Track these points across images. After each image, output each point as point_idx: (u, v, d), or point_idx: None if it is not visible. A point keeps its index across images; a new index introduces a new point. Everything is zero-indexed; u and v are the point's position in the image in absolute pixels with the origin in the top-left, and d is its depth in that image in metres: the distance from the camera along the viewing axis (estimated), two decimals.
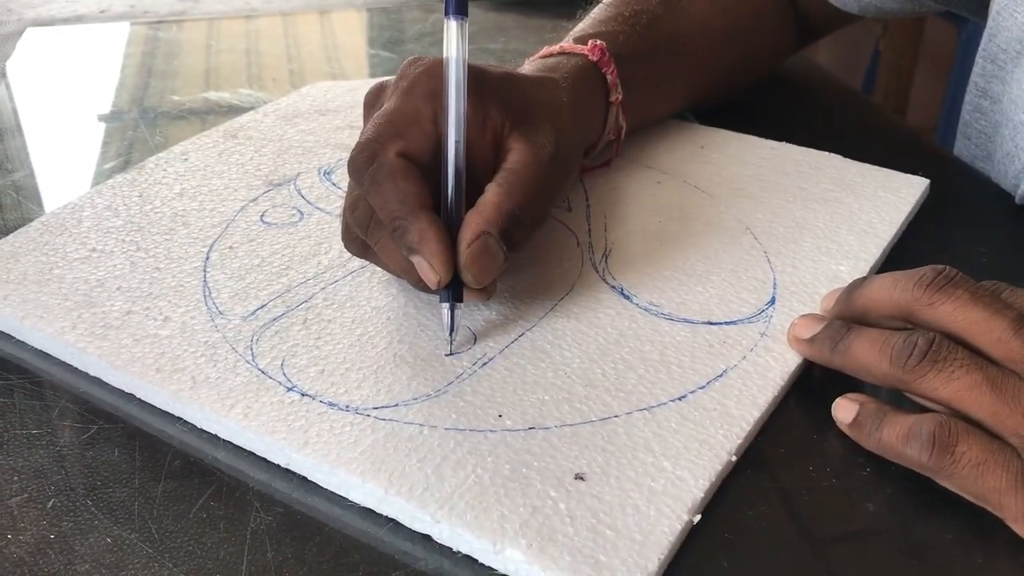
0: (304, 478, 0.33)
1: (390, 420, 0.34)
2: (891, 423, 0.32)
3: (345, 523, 0.31)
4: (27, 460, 0.33)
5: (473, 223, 0.36)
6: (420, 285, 0.38)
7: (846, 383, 0.35)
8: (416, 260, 0.36)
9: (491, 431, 0.33)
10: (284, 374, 0.36)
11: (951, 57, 1.43)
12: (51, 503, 0.32)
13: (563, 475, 0.31)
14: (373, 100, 0.41)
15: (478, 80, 0.39)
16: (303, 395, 0.35)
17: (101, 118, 0.61)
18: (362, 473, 0.31)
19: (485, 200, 0.37)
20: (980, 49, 0.53)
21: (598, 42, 0.48)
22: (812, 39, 0.65)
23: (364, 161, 0.37)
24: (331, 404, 0.34)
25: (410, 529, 0.31)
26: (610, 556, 0.29)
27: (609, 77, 0.48)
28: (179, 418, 0.35)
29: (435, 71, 0.39)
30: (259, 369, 0.36)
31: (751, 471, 0.33)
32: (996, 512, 0.31)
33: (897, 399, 0.34)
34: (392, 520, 0.31)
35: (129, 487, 0.32)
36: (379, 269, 0.42)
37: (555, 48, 0.48)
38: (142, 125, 0.59)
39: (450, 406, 0.34)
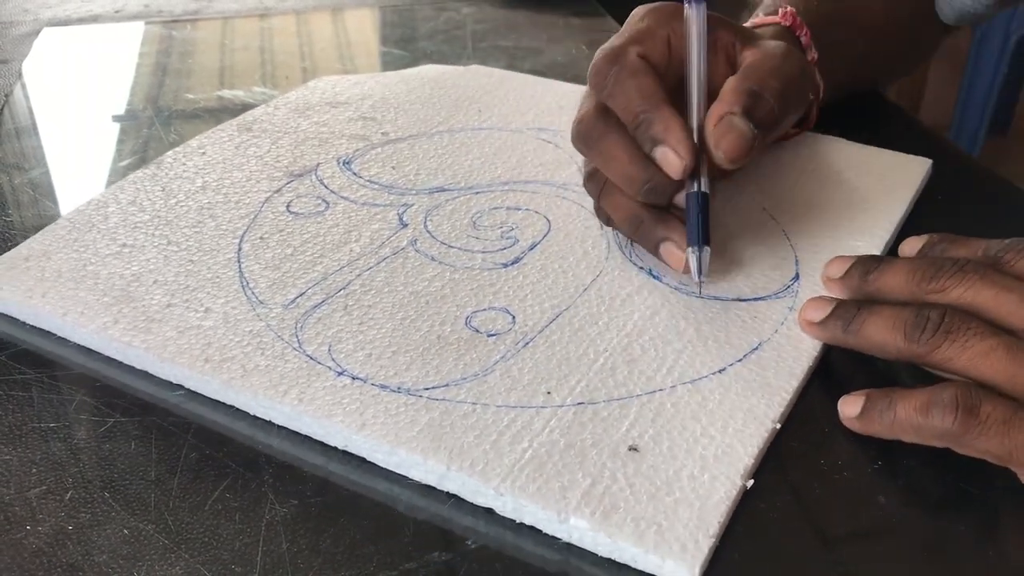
0: (311, 472, 0.33)
1: (443, 400, 0.35)
2: (904, 399, 0.32)
3: (359, 516, 0.31)
4: (45, 453, 0.34)
5: (714, 111, 0.38)
6: (650, 190, 0.39)
7: (859, 379, 0.36)
8: (660, 151, 0.38)
9: (542, 407, 0.34)
10: (333, 359, 0.37)
11: (965, 55, 1.44)
12: (69, 495, 0.32)
13: (617, 447, 0.32)
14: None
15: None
16: (354, 379, 0.36)
17: (116, 117, 0.61)
18: (423, 451, 0.32)
19: (722, 90, 0.39)
20: None
21: (788, 8, 0.49)
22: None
23: (607, 62, 0.39)
24: (383, 387, 0.35)
25: (429, 513, 0.31)
26: (672, 521, 0.30)
27: (803, 39, 0.49)
28: (194, 412, 0.36)
29: (665, 7, 0.42)
30: (307, 355, 0.37)
31: (763, 465, 0.33)
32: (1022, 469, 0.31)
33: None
34: (412, 508, 0.31)
35: (145, 479, 0.33)
36: (411, 256, 0.43)
37: (747, 24, 0.50)
38: (157, 123, 0.59)
39: (499, 384, 0.35)
